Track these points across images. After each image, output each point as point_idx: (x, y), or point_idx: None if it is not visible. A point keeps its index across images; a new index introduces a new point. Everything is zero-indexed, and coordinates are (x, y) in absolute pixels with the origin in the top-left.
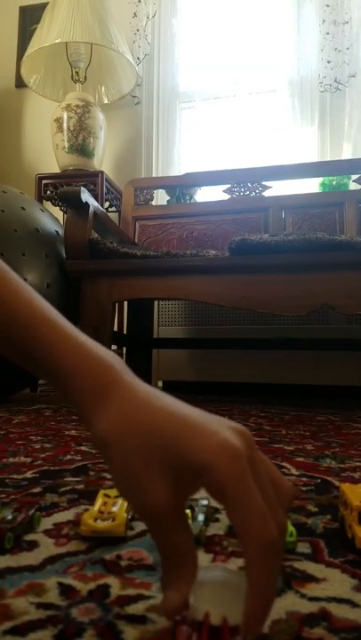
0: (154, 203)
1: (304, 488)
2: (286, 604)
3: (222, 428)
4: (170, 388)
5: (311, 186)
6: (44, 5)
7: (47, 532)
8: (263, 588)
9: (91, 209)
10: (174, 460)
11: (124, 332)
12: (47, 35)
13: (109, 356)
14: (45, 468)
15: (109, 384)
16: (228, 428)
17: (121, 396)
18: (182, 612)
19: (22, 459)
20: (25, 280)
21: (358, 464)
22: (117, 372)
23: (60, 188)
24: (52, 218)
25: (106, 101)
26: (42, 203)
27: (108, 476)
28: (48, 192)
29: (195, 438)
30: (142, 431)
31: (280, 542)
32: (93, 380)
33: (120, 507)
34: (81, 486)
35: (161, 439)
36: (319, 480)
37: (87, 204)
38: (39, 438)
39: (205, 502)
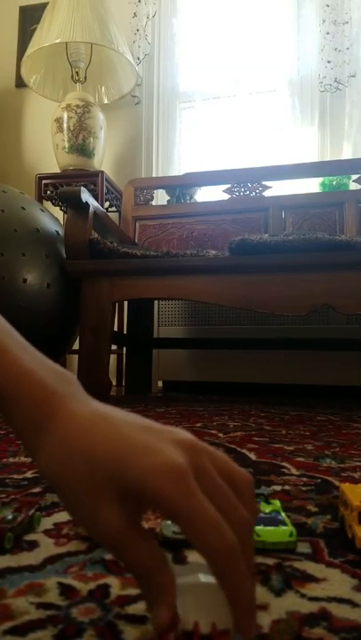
0: (154, 203)
1: (304, 488)
2: (286, 604)
3: (164, 444)
4: (170, 387)
5: (311, 186)
6: (44, 5)
7: (47, 532)
8: (240, 593)
9: (91, 209)
10: (119, 488)
11: (124, 332)
12: (47, 35)
13: (55, 380)
14: None
15: (50, 413)
16: (171, 442)
17: (61, 426)
18: (176, 624)
19: (22, 459)
20: (25, 280)
21: (358, 464)
22: (60, 397)
23: (60, 188)
24: (52, 218)
25: (106, 101)
26: (42, 203)
27: None
28: (48, 192)
29: (137, 461)
30: (83, 461)
31: (239, 545)
32: (34, 410)
33: None
34: None
35: (103, 468)
36: (319, 480)
37: (87, 204)
38: None
39: None
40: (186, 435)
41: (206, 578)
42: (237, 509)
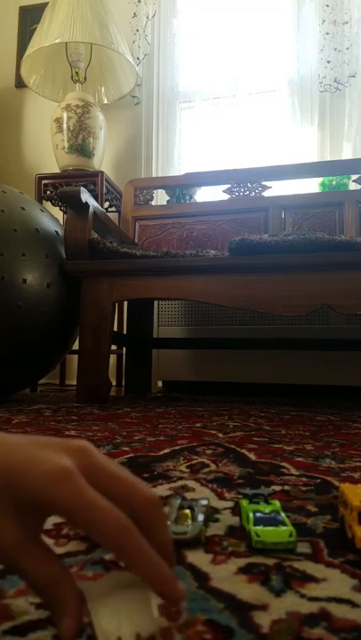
0: (154, 203)
1: (304, 488)
2: (286, 604)
3: (52, 453)
4: (170, 387)
5: (311, 186)
6: (44, 5)
7: (47, 532)
8: (150, 568)
9: (91, 209)
10: (14, 500)
11: (124, 332)
12: (47, 35)
13: None
14: None
15: None
16: (60, 451)
17: None
18: (80, 632)
19: None
20: (25, 280)
21: (358, 464)
22: None
23: (60, 188)
24: (52, 218)
25: (106, 101)
26: (42, 203)
27: None
28: (48, 192)
29: (28, 470)
30: None
31: (133, 525)
32: None
33: None
34: None
35: None
36: (319, 480)
37: (87, 204)
38: None
39: (205, 502)
40: (77, 442)
41: (118, 579)
42: (137, 491)
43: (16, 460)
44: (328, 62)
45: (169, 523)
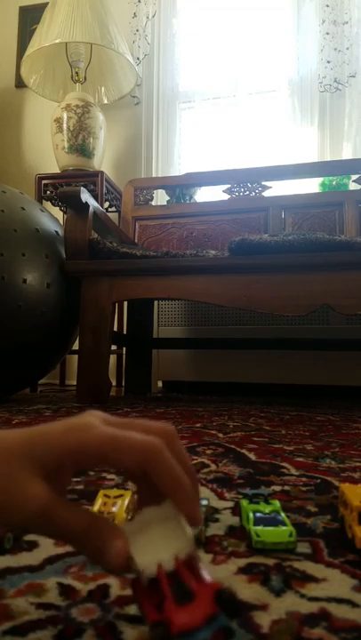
0: (154, 203)
1: (304, 488)
2: (286, 604)
3: (66, 420)
4: (170, 387)
5: (311, 186)
6: (44, 5)
7: None
8: (177, 483)
9: (91, 209)
10: (40, 460)
11: (124, 332)
12: (47, 35)
13: None
14: None
15: None
16: (74, 419)
17: None
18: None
19: None
20: (25, 280)
21: (358, 464)
22: None
23: (60, 188)
24: (51, 218)
25: (106, 101)
26: (42, 203)
27: (109, 477)
28: (48, 192)
29: (49, 431)
30: None
31: (163, 443)
32: None
33: (120, 507)
34: (80, 486)
35: (15, 452)
36: (319, 480)
37: (87, 204)
38: None
39: (205, 502)
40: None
41: (151, 512)
42: (157, 427)
43: (32, 432)
44: (328, 62)
45: None
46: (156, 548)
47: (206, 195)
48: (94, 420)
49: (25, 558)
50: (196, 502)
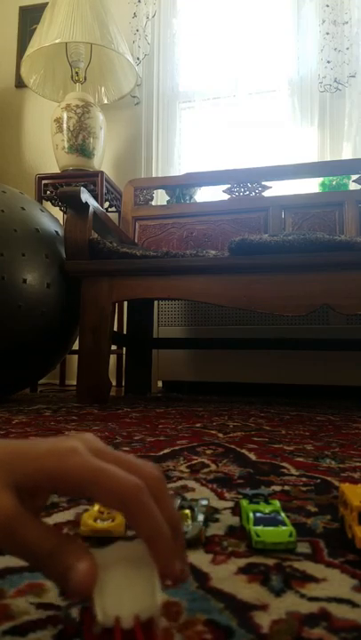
0: (154, 203)
1: (304, 488)
2: (286, 604)
3: (55, 440)
4: (170, 387)
5: (311, 186)
6: (44, 5)
7: None
8: (155, 533)
9: (91, 209)
10: (13, 474)
11: (124, 332)
12: (47, 35)
13: None
14: None
15: None
16: (66, 438)
17: None
18: (94, 581)
19: None
20: (25, 280)
21: (358, 464)
22: None
23: (60, 188)
24: (51, 218)
25: (106, 101)
26: (42, 203)
27: None
28: (48, 192)
29: (30, 451)
30: None
31: (145, 486)
32: None
33: None
34: None
35: None
36: (319, 480)
37: (87, 204)
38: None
39: (205, 502)
40: (82, 433)
41: (127, 549)
42: (143, 467)
43: (16, 447)
44: (328, 62)
45: None
46: (120, 598)
47: (206, 195)
48: (80, 446)
49: None
50: (176, 556)
